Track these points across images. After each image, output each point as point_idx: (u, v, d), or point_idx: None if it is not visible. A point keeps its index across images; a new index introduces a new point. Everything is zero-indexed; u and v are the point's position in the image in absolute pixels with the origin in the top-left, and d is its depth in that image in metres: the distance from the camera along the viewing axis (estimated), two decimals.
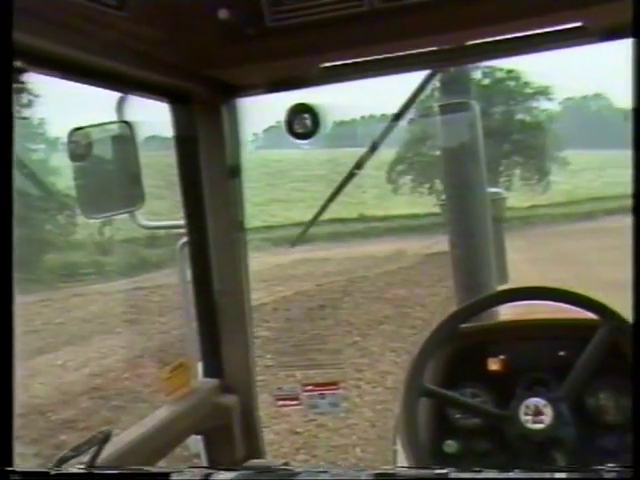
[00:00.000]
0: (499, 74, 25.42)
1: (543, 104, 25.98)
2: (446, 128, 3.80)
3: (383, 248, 17.94)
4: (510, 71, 25.24)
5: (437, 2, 1.58)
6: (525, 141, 24.65)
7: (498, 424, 1.80)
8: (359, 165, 2.63)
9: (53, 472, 1.17)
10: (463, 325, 2.02)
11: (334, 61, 1.95)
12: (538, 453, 1.70)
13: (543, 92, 25.38)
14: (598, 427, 1.90)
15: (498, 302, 1.98)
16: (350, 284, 13.58)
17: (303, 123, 2.09)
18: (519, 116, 25.64)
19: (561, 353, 1.94)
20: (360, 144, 2.78)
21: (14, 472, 1.11)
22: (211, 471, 1.31)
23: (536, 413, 1.71)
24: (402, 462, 1.91)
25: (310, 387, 2.54)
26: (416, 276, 13.70)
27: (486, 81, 25.41)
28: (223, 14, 1.73)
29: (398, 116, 2.64)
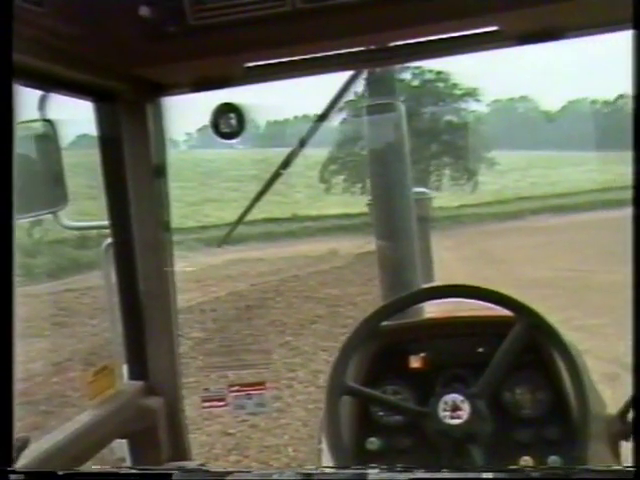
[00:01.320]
0: (429, 75, 25.77)
1: (471, 105, 26.47)
2: (372, 128, 3.84)
3: (316, 248, 18.02)
4: (439, 72, 25.62)
5: (359, 3, 1.59)
6: (454, 142, 25.07)
7: (418, 421, 1.83)
8: (285, 165, 2.64)
9: (60, 472, 1.16)
10: (386, 323, 2.05)
11: (258, 61, 1.95)
12: (456, 448, 1.73)
13: (471, 93, 25.83)
14: (515, 421, 1.95)
15: (417, 301, 2.01)
16: (283, 284, 13.60)
17: (229, 123, 2.08)
18: (448, 117, 26.05)
19: (480, 350, 1.98)
20: (294, 144, 2.79)
21: (14, 472, 1.10)
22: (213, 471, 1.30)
23: (454, 409, 1.74)
24: (327, 461, 1.92)
25: (237, 388, 2.53)
26: (348, 275, 13.79)
27: (416, 82, 25.73)
28: (144, 11, 1.71)
29: (322, 117, 2.66)
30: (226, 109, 2.08)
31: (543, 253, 15.55)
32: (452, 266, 14.64)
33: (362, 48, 1.92)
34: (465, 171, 25.34)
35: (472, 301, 2.00)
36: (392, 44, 1.94)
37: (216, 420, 7.05)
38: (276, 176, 2.66)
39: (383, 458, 2.01)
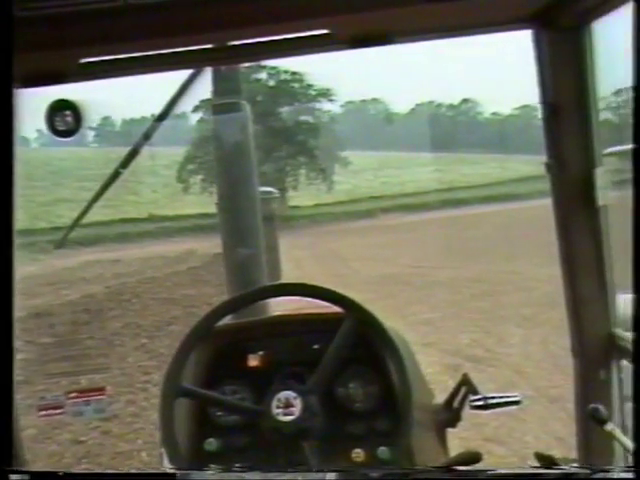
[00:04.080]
0: (284, 75, 25.98)
1: (325, 106, 26.94)
2: (218, 128, 3.81)
3: (174, 248, 17.76)
4: (295, 73, 25.88)
5: (194, 1, 1.58)
6: (309, 141, 25.40)
7: (254, 419, 1.84)
8: (124, 164, 2.57)
9: (61, 473, 1.14)
10: (224, 323, 2.05)
11: (92, 57, 1.89)
12: (290, 444, 1.75)
13: (325, 94, 26.28)
14: (348, 415, 2.00)
15: (250, 301, 2.01)
16: (139, 285, 13.31)
17: (65, 120, 2.01)
18: (304, 117, 26.36)
19: (316, 346, 2.01)
20: (152, 142, 2.72)
21: (14, 472, 1.10)
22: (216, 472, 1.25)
23: (287, 406, 1.76)
24: (167, 464, 1.89)
25: (75, 394, 2.45)
26: (205, 275, 13.68)
27: (272, 82, 25.87)
28: None
29: (162, 116, 2.60)
30: (61, 106, 1.99)
31: (393, 250, 16.09)
32: (307, 264, 14.84)
33: (199, 46, 1.91)
34: (320, 171, 25.74)
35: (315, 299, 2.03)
36: (229, 43, 1.94)
37: (66, 428, 6.79)
38: (115, 176, 2.58)
39: (222, 458, 2.00)
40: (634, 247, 1.04)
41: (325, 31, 1.81)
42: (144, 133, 2.67)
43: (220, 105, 3.96)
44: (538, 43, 1.91)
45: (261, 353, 2.10)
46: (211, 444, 2.02)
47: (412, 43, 2.00)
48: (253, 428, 1.87)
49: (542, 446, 4.58)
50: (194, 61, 2.06)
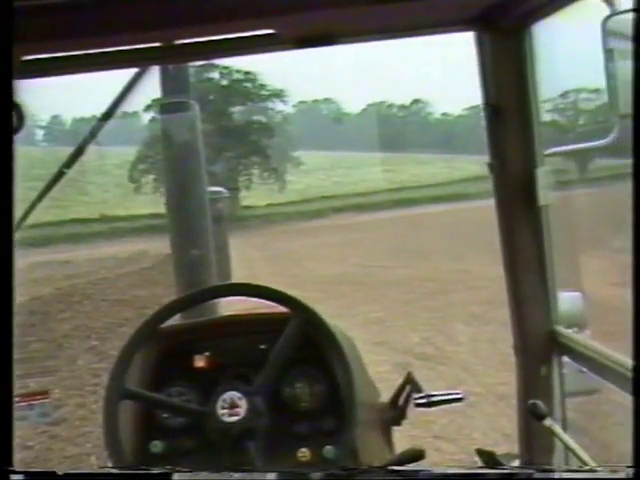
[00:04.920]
0: (237, 75, 25.89)
1: (278, 106, 26.93)
2: (166, 127, 3.78)
3: (126, 249, 17.59)
4: (248, 73, 25.81)
5: None
6: (262, 141, 25.36)
7: (199, 420, 1.83)
8: (68, 164, 2.53)
9: (60, 472, 1.10)
10: (170, 324, 2.03)
11: (36, 54, 1.86)
12: (235, 445, 1.74)
13: (278, 94, 26.28)
14: (294, 414, 1.99)
15: (195, 302, 1.99)
16: (90, 286, 13.15)
17: None
18: (256, 117, 26.32)
19: (262, 347, 2.00)
20: (103, 141, 2.67)
21: (14, 472, 1.08)
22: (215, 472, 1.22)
23: (232, 406, 1.75)
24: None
25: (18, 398, 2.40)
26: (157, 276, 13.57)
27: (225, 82, 25.76)
28: None
29: (107, 115, 2.57)
30: None
31: (345, 250, 16.16)
32: (260, 265, 14.83)
33: (144, 45, 1.88)
34: (273, 170, 25.71)
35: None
36: (174, 42, 1.93)
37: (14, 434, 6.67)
38: (59, 175, 2.54)
39: (167, 460, 1.98)
40: (634, 247, 1.03)
41: (270, 31, 1.81)
42: (89, 132, 2.63)
43: (168, 104, 3.94)
44: (480, 45, 1.94)
45: (208, 354, 2.08)
46: (156, 446, 2.00)
47: (357, 43, 2.02)
48: (199, 429, 1.85)
49: (490, 442, 4.65)
50: (139, 60, 2.04)
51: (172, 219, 3.78)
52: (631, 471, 0.96)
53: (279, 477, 1.13)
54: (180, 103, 3.73)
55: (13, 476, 1.08)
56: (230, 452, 1.76)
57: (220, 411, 1.75)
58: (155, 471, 1.11)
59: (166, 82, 3.85)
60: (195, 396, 2.02)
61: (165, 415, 2.03)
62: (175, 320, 2.12)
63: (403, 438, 2.22)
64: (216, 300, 2.50)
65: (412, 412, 2.12)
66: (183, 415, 1.97)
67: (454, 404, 2.12)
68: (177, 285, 3.79)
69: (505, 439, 4.49)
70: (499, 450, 2.59)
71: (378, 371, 5.63)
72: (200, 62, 21.00)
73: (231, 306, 2.46)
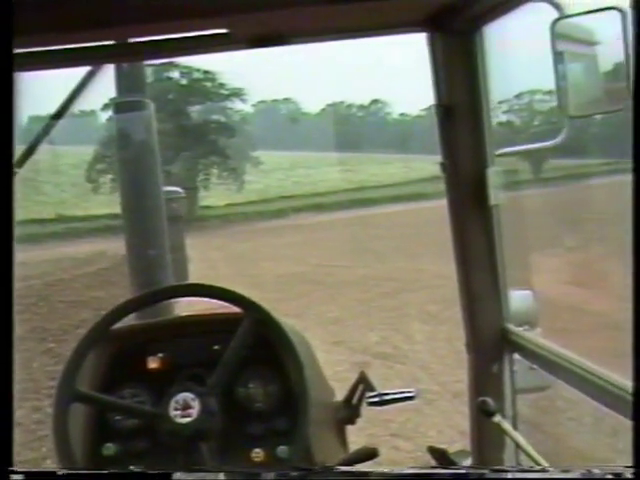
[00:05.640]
0: (196, 74, 25.70)
1: (238, 105, 26.79)
2: (121, 126, 3.75)
3: (83, 249, 17.34)
4: (207, 72, 25.64)
5: None
6: (221, 141, 25.21)
7: (152, 422, 1.81)
8: (20, 163, 2.49)
9: (59, 472, 1.09)
10: (124, 325, 2.01)
11: None
12: (188, 447, 1.73)
13: (237, 94, 26.13)
14: (248, 415, 1.99)
15: (147, 303, 1.97)
16: (47, 288, 12.93)
17: None
18: (216, 116, 26.15)
19: (216, 347, 1.99)
20: (61, 141, 2.63)
21: (14, 472, 1.08)
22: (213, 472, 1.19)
23: (185, 407, 1.74)
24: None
25: None
26: (115, 277, 13.40)
27: (184, 81, 25.56)
28: None
29: (58, 114, 2.53)
30: None
31: (304, 250, 16.16)
32: (220, 265, 14.74)
33: (97, 43, 1.86)
34: (232, 170, 25.58)
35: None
36: (127, 40, 1.91)
37: None
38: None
39: (120, 463, 1.96)
40: (634, 246, 1.04)
41: (224, 30, 1.80)
42: (41, 131, 2.60)
43: (123, 103, 3.89)
44: (432, 46, 1.97)
45: (161, 355, 2.07)
46: (109, 449, 1.98)
47: (310, 44, 2.02)
48: (151, 431, 1.84)
49: (446, 439, 4.71)
50: (90, 58, 2.01)
51: (127, 219, 3.75)
52: (631, 471, 0.96)
53: (229, 477, 1.13)
54: (135, 102, 3.69)
55: (13, 476, 1.08)
56: (183, 453, 1.75)
57: (173, 412, 1.74)
58: (155, 471, 1.10)
59: (121, 81, 3.81)
60: (148, 397, 2.01)
61: (117, 417, 2.01)
62: (128, 321, 2.10)
63: (361, 437, 2.24)
64: (173, 300, 2.49)
65: (371, 411, 2.14)
66: (135, 417, 1.96)
67: (408, 402, 2.14)
68: (132, 286, 3.75)
69: (461, 436, 4.54)
70: (454, 447, 2.63)
71: (337, 370, 5.66)
72: (160, 61, 20.83)
73: (191, 306, 2.45)
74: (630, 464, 0.97)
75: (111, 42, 1.91)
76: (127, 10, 1.61)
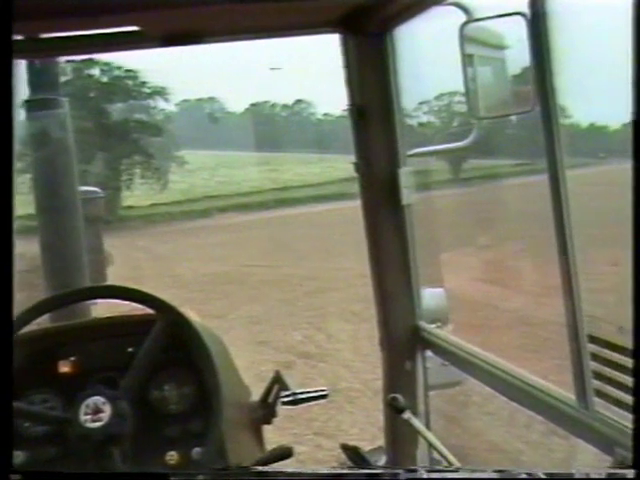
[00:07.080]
0: (118, 72, 25.22)
1: (161, 104, 26.40)
2: (34, 125, 3.65)
3: None
4: (129, 70, 25.19)
5: None
6: (144, 140, 24.82)
7: (61, 428, 1.78)
8: None
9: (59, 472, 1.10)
10: (33, 329, 1.96)
11: None
12: (99, 451, 1.70)
13: (160, 92, 25.75)
14: (163, 418, 1.97)
15: (56, 306, 1.93)
16: None
17: None
18: (138, 115, 25.72)
19: (129, 350, 1.96)
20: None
21: (14, 472, 1.08)
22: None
23: (95, 412, 1.71)
24: None
25: None
26: (35, 279, 13.03)
27: (105, 79, 25.06)
28: None
29: None
30: None
31: (228, 250, 16.07)
32: (145, 266, 14.51)
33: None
34: (156, 170, 25.21)
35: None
36: (38, 35, 1.86)
37: None
38: None
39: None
40: (634, 246, 1.03)
41: (135, 28, 1.78)
42: None
43: (35, 101, 3.78)
44: (345, 47, 1.99)
45: (73, 359, 2.02)
46: (18, 457, 1.93)
47: (224, 43, 2.02)
48: (61, 437, 1.80)
49: (367, 436, 4.75)
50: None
51: (41, 219, 3.65)
52: (631, 472, 0.96)
53: None
54: (48, 100, 3.60)
55: (13, 476, 1.08)
56: (94, 458, 1.72)
57: (83, 417, 1.71)
58: (155, 471, 1.08)
59: (33, 78, 3.71)
60: (59, 403, 1.96)
61: (26, 424, 1.96)
62: (38, 324, 2.05)
63: (285, 436, 2.24)
64: (90, 303, 2.43)
65: (294, 410, 2.14)
66: (44, 423, 1.91)
67: (329, 400, 2.16)
68: (47, 288, 3.66)
69: (382, 433, 4.61)
70: (374, 444, 2.66)
71: (261, 370, 5.64)
72: (80, 58, 20.36)
73: (110, 309, 2.40)
74: (541, 458, 1.01)
75: (21, 37, 1.86)
76: (38, 5, 1.57)
